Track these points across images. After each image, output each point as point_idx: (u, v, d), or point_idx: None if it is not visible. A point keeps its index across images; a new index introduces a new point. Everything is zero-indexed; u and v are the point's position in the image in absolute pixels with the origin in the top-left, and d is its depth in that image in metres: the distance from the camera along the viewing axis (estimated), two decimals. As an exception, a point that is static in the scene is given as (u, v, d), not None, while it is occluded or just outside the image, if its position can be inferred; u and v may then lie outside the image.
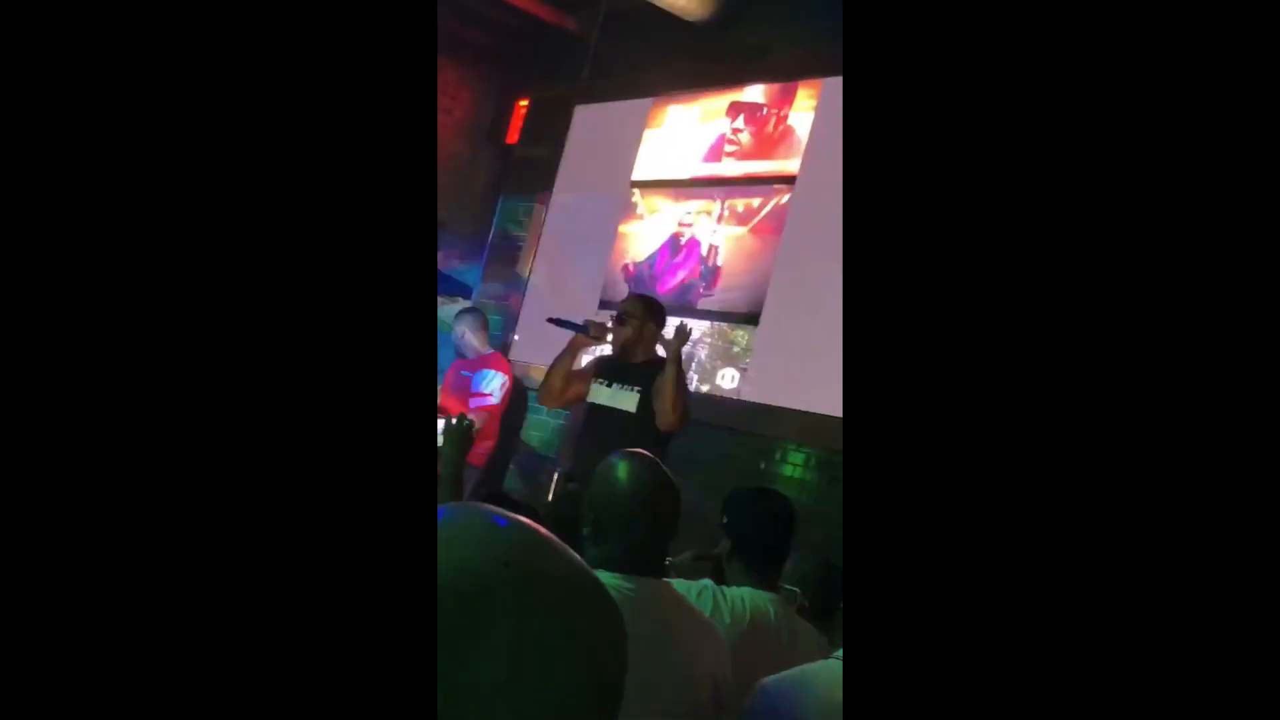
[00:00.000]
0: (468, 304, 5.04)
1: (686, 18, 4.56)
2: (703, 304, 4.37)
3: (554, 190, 5.23)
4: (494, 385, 4.41)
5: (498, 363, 4.53)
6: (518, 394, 4.60)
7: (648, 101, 4.90)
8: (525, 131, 5.54)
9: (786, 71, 4.33)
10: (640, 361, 3.33)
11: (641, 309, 3.38)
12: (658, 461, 1.82)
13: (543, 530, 0.66)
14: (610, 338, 3.39)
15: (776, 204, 4.23)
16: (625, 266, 4.75)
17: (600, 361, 3.49)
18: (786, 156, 4.27)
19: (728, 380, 4.19)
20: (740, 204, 4.38)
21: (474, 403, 4.32)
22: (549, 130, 5.31)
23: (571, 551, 0.66)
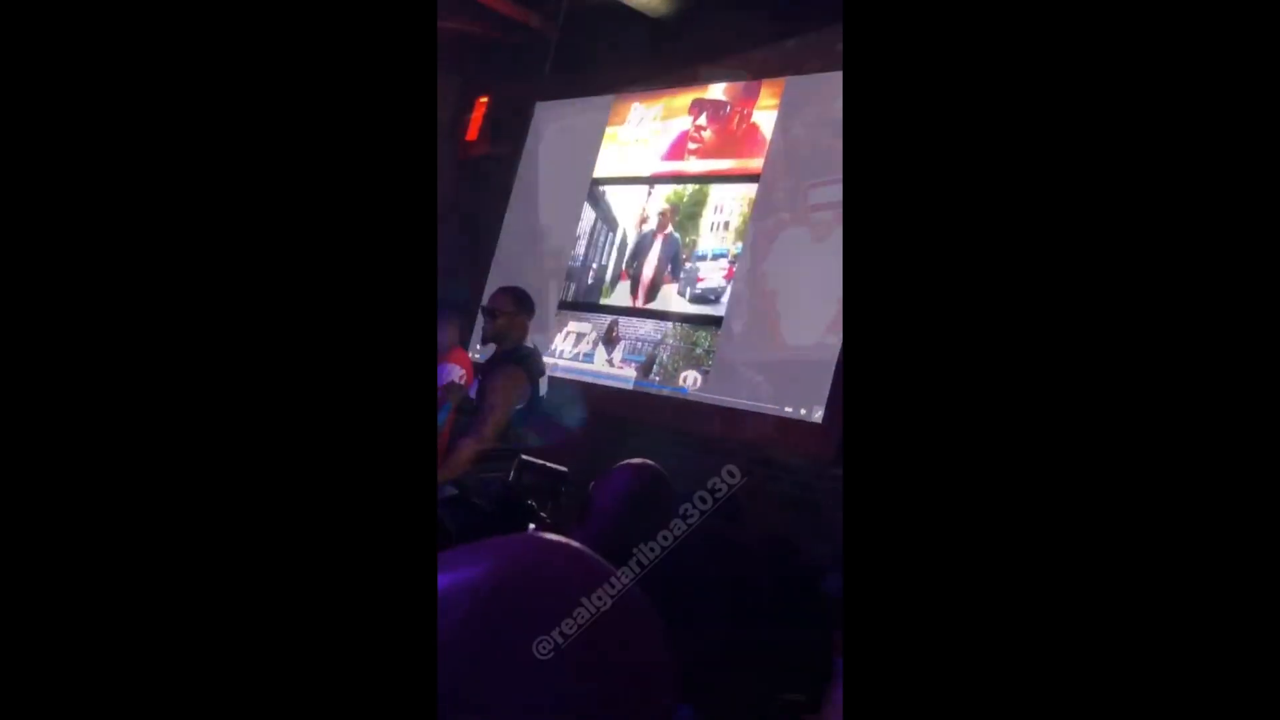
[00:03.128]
0: None
1: (650, 13, 4.53)
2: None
3: (513, 187, 5.17)
4: (455, 377, 4.34)
5: (460, 357, 4.47)
6: None
7: (609, 98, 4.86)
8: (485, 129, 5.48)
9: (750, 69, 4.31)
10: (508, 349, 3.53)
11: (509, 302, 3.57)
12: (662, 474, 1.89)
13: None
14: (482, 330, 3.62)
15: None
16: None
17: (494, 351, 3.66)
18: (750, 155, 4.24)
19: (689, 382, 4.16)
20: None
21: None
22: (509, 128, 5.26)
23: None
